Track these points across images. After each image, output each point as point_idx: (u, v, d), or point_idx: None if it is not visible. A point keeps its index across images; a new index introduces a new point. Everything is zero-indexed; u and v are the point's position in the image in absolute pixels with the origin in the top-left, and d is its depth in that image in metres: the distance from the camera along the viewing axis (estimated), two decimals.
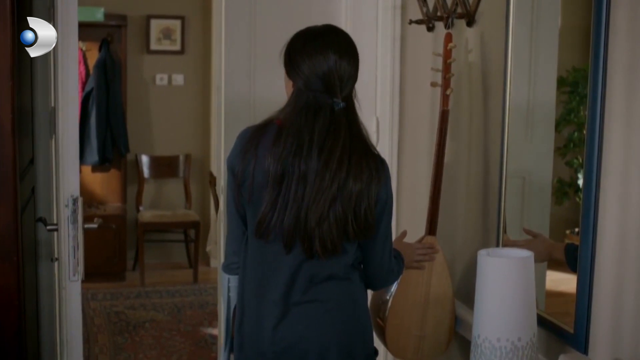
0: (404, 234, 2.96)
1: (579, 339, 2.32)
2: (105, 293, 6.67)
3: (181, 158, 7.47)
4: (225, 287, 2.60)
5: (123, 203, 7.37)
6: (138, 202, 7.38)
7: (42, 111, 3.49)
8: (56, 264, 3.41)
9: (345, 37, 2.46)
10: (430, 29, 3.27)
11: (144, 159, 7.43)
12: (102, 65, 7.02)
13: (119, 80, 7.12)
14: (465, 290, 3.03)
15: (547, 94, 2.78)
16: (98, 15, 6.86)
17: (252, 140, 2.40)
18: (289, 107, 2.39)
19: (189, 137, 7.49)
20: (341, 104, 2.37)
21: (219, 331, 4.06)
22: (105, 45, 7.08)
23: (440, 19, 3.14)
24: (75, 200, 2.89)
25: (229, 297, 2.59)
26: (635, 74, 2.13)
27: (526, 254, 2.27)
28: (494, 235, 2.83)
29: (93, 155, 7.00)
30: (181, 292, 6.80)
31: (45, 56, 3.36)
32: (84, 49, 7.04)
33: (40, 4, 3.39)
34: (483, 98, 2.92)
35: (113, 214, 7.10)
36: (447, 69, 2.93)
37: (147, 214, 7.25)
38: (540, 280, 2.50)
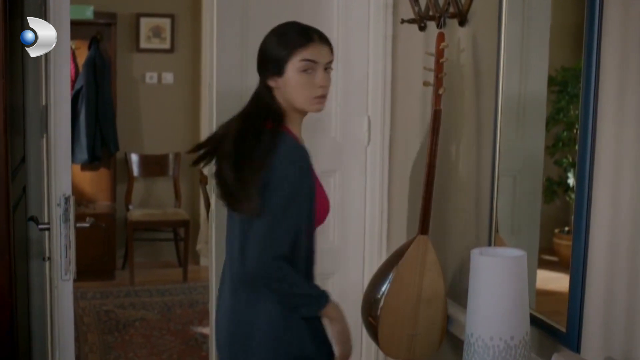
0: None
1: (572, 338, 2.33)
2: (95, 292, 6.65)
3: (171, 156, 7.45)
4: None
5: (112, 202, 7.35)
6: (127, 200, 7.36)
7: (34, 109, 3.48)
8: (47, 263, 3.40)
9: None
10: (422, 28, 3.28)
11: (134, 158, 7.40)
12: (91, 63, 7.00)
13: (109, 78, 7.09)
14: (457, 289, 3.04)
15: (538, 93, 2.79)
16: (87, 13, 6.83)
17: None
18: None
19: (179, 135, 7.47)
20: None
21: (210, 329, 4.06)
22: (94, 43, 7.06)
23: (432, 18, 3.15)
24: (67, 199, 2.88)
25: None
26: (626, 72, 2.15)
27: (519, 253, 2.28)
28: (486, 234, 2.84)
29: (82, 154, 6.98)
30: (171, 290, 6.79)
31: None
32: (73, 47, 7.00)
33: (31, 1, 3.38)
34: (475, 97, 2.92)
35: (102, 212, 7.07)
36: (439, 68, 2.93)
37: (136, 213, 7.23)
38: (531, 279, 2.51)
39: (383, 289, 3.00)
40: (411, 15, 3.31)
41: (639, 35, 2.10)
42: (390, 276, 2.99)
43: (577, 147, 2.31)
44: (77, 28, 6.64)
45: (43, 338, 3.51)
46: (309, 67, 2.43)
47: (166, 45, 7.42)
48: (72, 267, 2.90)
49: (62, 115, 2.89)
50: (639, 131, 2.11)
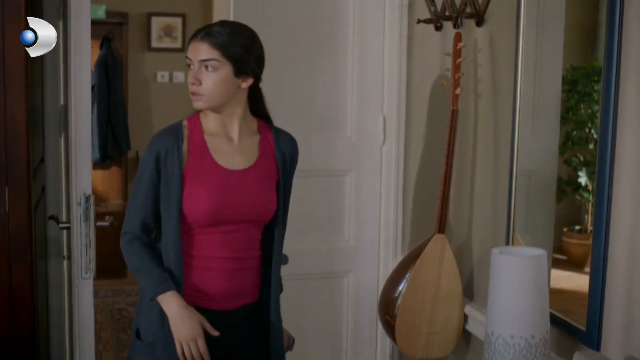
0: None
1: (592, 336, 2.34)
2: (107, 290, 6.67)
3: None
4: None
5: (124, 200, 7.37)
6: None
7: (52, 109, 3.50)
8: (65, 262, 3.42)
9: None
10: (438, 28, 3.29)
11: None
12: (103, 62, 7.03)
13: (120, 77, 7.12)
14: (473, 288, 3.05)
15: (552, 93, 2.80)
16: (99, 12, 6.85)
17: None
18: None
19: None
20: None
21: None
22: (106, 42, 7.08)
23: (448, 18, 3.16)
24: (87, 198, 2.90)
25: None
26: None
27: (539, 252, 2.29)
28: (503, 233, 2.85)
29: (94, 153, 7.00)
30: None
31: (54, 54, 3.37)
32: None
33: (49, 2, 3.41)
34: (492, 97, 2.93)
35: (114, 210, 7.08)
36: (456, 68, 2.94)
37: None
38: None
39: (400, 287, 3.02)
40: (427, 15, 3.32)
41: None
42: (408, 275, 3.01)
43: (590, 146, 2.32)
44: None
45: (60, 336, 3.54)
46: (189, 63, 2.49)
47: (177, 44, 7.43)
48: (92, 265, 2.93)
49: (82, 115, 2.92)
50: None
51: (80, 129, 2.91)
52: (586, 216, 2.76)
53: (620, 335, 2.26)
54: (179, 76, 7.46)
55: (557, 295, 2.65)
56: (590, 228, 2.70)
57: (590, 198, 2.66)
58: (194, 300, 2.43)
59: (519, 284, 2.25)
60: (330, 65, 3.62)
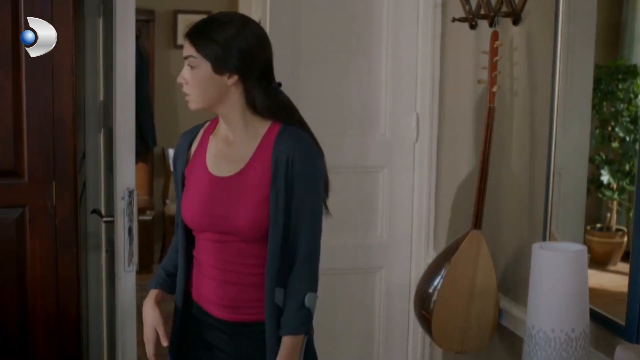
0: None
1: (631, 330, 2.38)
2: (135, 285, 6.72)
3: None
4: None
5: (150, 196, 7.44)
6: (165, 195, 7.45)
7: (92, 105, 3.56)
8: (104, 255, 3.48)
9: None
10: (473, 26, 3.33)
11: (171, 153, 7.46)
12: None
13: (147, 74, 7.17)
14: (508, 283, 3.09)
15: (583, 91, 2.83)
16: None
17: None
18: None
19: None
20: None
21: None
22: None
23: (484, 17, 3.19)
24: (131, 193, 2.96)
25: None
26: None
27: (580, 247, 2.33)
28: (540, 229, 2.88)
29: None
30: None
31: (93, 50, 3.43)
32: None
33: (90, 1, 3.46)
34: (529, 95, 2.97)
35: (140, 206, 7.10)
36: (493, 66, 2.98)
37: (173, 207, 7.30)
38: None
39: (436, 283, 3.06)
40: (461, 14, 3.36)
41: None
42: (443, 271, 3.05)
43: (614, 144, 2.33)
44: None
45: (99, 330, 3.60)
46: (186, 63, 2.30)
47: None
48: (135, 259, 2.98)
49: (127, 110, 2.97)
50: None
51: (124, 125, 2.97)
52: (608, 214, 2.79)
53: None
54: None
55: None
56: (614, 227, 2.75)
57: (615, 196, 2.70)
58: (199, 301, 2.41)
59: (560, 278, 2.29)
60: (364, 63, 3.66)
